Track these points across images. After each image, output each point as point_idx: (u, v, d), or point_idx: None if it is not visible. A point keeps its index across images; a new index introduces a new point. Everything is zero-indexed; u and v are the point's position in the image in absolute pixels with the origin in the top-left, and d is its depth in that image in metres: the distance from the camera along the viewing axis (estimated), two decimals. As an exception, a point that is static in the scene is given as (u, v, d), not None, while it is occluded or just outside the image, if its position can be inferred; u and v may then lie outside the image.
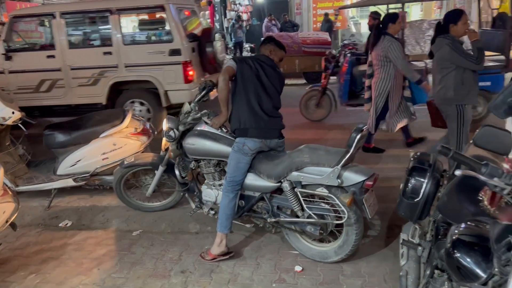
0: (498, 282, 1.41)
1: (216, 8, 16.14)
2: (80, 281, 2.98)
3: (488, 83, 5.89)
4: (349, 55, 6.60)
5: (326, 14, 15.15)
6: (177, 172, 3.56)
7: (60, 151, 4.14)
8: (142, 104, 6.34)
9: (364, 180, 2.74)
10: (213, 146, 3.22)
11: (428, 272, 2.04)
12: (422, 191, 2.26)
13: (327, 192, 2.85)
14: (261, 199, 3.15)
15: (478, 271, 1.48)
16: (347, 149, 2.78)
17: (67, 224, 3.85)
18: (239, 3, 18.69)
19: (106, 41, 6.30)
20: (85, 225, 3.83)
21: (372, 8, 8.21)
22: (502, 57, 6.03)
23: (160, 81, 6.12)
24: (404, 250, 2.37)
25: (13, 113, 3.82)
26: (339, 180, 2.75)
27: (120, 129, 4.13)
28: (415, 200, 2.29)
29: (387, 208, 3.70)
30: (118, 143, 4.10)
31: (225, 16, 17.18)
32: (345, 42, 11.62)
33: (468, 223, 1.66)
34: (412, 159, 2.45)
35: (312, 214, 2.94)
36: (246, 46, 14.71)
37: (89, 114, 4.45)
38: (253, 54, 7.21)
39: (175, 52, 6.04)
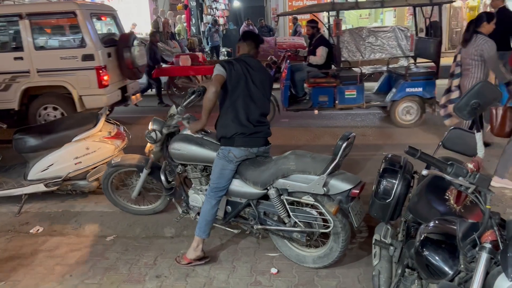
0: (464, 278, 1.47)
1: (192, 12, 16.10)
2: (51, 288, 2.91)
3: (420, 89, 6.21)
4: (288, 61, 6.80)
5: (295, 19, 15.34)
6: (162, 177, 3.51)
7: (31, 155, 4.04)
8: (55, 109, 6.39)
9: (350, 189, 2.70)
10: (199, 151, 3.17)
11: (399, 271, 2.09)
12: (393, 192, 2.32)
13: (313, 200, 2.82)
14: (248, 205, 3.11)
15: (445, 268, 1.53)
16: (333, 157, 2.72)
17: (38, 230, 3.75)
18: (216, 8, 18.70)
19: (17, 46, 6.28)
20: (57, 231, 3.74)
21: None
22: (433, 64, 6.34)
23: (74, 86, 6.20)
24: (376, 250, 2.43)
25: (-19, 116, 3.72)
26: (325, 189, 2.71)
27: (94, 133, 4.06)
28: (387, 201, 2.35)
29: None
30: (92, 147, 4.04)
31: (202, 20, 17.15)
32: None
33: (436, 222, 1.71)
34: (383, 161, 2.51)
35: (298, 222, 2.91)
36: (223, 50, 14.70)
37: (61, 118, 4.38)
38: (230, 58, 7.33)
39: (88, 57, 6.14)
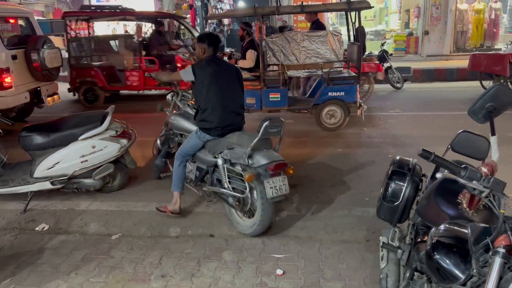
0: (476, 283, 1.46)
1: (197, 12, 16.10)
2: (56, 286, 2.91)
3: (342, 93, 6.37)
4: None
5: (284, 21, 15.26)
6: (158, 141, 4.42)
7: (37, 153, 4.05)
8: None
9: (266, 164, 3.23)
10: (185, 123, 4.10)
11: (407, 274, 2.08)
12: (402, 194, 2.32)
13: (241, 169, 3.39)
14: (207, 172, 3.80)
15: (457, 272, 1.52)
16: (257, 134, 3.31)
17: (43, 228, 3.76)
18: (221, 8, 18.70)
19: None
20: (63, 229, 3.74)
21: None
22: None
23: None
24: (384, 253, 2.42)
25: (-12, 114, 3.73)
26: (249, 161, 3.30)
27: (100, 131, 4.06)
28: (395, 203, 2.34)
29: (365, 212, 3.76)
30: (98, 146, 4.04)
31: (206, 21, 17.15)
32: None
33: (447, 225, 1.70)
34: (392, 163, 2.50)
35: (231, 188, 3.50)
36: (227, 50, 14.72)
37: (68, 116, 4.38)
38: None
39: None
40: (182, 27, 14.30)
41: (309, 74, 7.26)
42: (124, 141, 4.19)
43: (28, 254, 3.34)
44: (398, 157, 2.55)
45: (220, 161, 3.53)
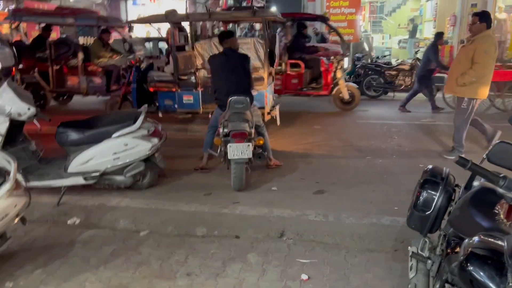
0: (512, 296, 1.40)
1: (229, 17, 16.24)
2: (85, 278, 2.99)
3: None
4: (134, 68, 7.17)
5: (316, 28, 15.13)
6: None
7: (72, 149, 4.18)
8: None
9: (230, 131, 4.30)
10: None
11: (437, 286, 2.02)
12: (434, 204, 2.26)
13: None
14: None
15: (492, 285, 1.47)
16: None
17: (75, 221, 3.87)
18: (253, 13, 18.83)
19: None
20: (93, 224, 3.84)
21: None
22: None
23: None
24: (413, 263, 2.37)
25: (28, 109, 3.87)
26: (224, 129, 4.39)
27: (133, 130, 4.16)
28: (426, 213, 2.29)
29: (394, 221, 3.69)
30: (130, 144, 4.13)
31: (239, 25, 17.28)
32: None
33: (482, 237, 1.65)
34: (424, 172, 2.45)
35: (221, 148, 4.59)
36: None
37: (103, 114, 4.50)
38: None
39: None
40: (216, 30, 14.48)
41: None
42: (155, 140, 4.27)
43: (60, 247, 3.45)
44: (431, 166, 2.50)
45: (221, 129, 4.43)
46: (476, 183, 1.53)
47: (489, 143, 5.58)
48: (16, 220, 3.01)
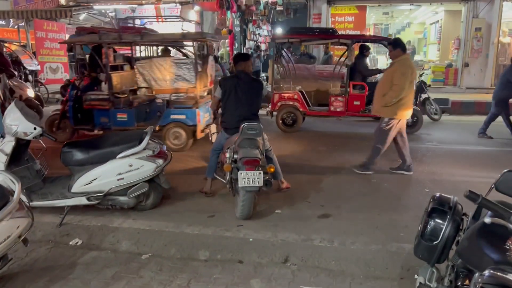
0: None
1: (236, 37, 16.46)
2: (86, 302, 2.94)
3: (184, 117, 6.89)
4: (70, 86, 7.43)
5: (327, 47, 15.27)
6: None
7: (76, 168, 4.17)
8: None
9: (241, 158, 4.12)
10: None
11: (446, 319, 1.97)
12: (441, 234, 2.23)
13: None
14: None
15: (503, 322, 1.43)
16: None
17: (77, 242, 3.84)
18: (259, 34, 19.06)
19: None
20: (95, 245, 3.81)
21: None
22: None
23: None
24: (420, 293, 2.31)
25: (35, 128, 3.89)
26: (234, 155, 4.30)
27: (138, 150, 4.15)
28: (434, 242, 2.25)
29: (400, 248, 3.63)
30: (135, 164, 4.12)
31: (244, 45, 17.49)
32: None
33: (492, 271, 1.61)
34: (432, 200, 2.42)
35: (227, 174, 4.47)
36: (263, 75, 14.88)
37: (108, 134, 4.51)
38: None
39: None
40: (222, 50, 14.64)
41: (176, 98, 7.47)
42: (160, 161, 4.27)
43: (61, 268, 3.40)
44: (438, 194, 2.47)
45: (227, 154, 4.34)
46: (487, 219, 1.49)
47: (397, 169, 5.87)
48: (19, 241, 2.98)
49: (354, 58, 8.91)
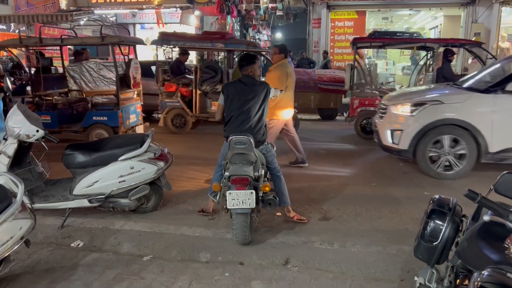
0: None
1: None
2: (88, 304, 2.96)
3: (105, 118, 7.07)
4: None
5: (326, 52, 15.36)
6: None
7: (78, 171, 4.20)
8: None
9: (229, 176, 3.71)
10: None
11: (446, 318, 1.99)
12: (441, 235, 2.25)
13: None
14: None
15: (502, 320, 1.45)
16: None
17: (79, 244, 3.85)
18: (259, 38, 19.16)
19: None
20: (97, 247, 3.82)
21: None
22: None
23: None
24: (420, 294, 2.33)
25: (37, 131, 3.92)
26: (225, 172, 3.85)
27: (139, 153, 4.18)
28: (434, 243, 2.27)
29: (400, 250, 3.65)
30: (136, 167, 4.15)
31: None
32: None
33: (491, 271, 1.64)
34: (431, 201, 2.44)
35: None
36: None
37: (110, 137, 4.54)
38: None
39: None
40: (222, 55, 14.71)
41: (108, 101, 7.71)
42: (161, 164, 4.29)
43: (63, 270, 3.42)
44: (437, 196, 2.49)
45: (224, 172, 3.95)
46: (486, 217, 1.52)
47: (294, 163, 6.31)
48: (21, 243, 3.00)
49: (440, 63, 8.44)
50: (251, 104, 4.05)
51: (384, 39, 9.07)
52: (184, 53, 9.53)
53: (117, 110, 6.94)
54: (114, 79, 7.28)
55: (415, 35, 9.53)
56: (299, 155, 6.31)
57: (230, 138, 3.75)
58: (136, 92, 7.82)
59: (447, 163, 5.73)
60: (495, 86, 5.61)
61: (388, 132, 6.06)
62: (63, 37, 7.36)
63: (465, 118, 5.55)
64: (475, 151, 5.60)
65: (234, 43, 9.00)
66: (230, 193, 3.60)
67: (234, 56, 10.68)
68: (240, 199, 3.57)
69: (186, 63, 9.80)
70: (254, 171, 3.76)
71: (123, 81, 7.27)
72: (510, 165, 5.47)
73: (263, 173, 3.91)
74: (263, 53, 10.05)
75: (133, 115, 7.46)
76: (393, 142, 5.99)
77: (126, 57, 8.11)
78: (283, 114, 5.89)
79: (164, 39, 8.79)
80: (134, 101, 7.66)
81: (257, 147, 3.97)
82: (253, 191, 3.59)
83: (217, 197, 3.93)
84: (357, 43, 8.66)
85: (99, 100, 7.56)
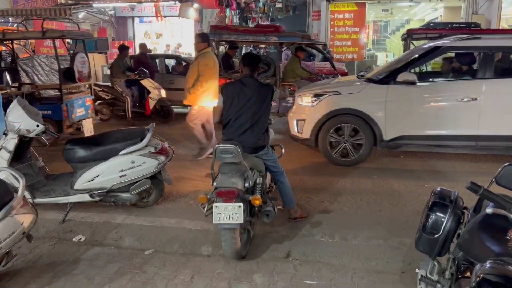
0: (525, 325, 1.39)
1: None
2: (91, 298, 2.97)
3: (50, 112, 6.98)
4: None
5: (325, 45, 15.31)
6: None
7: (79, 165, 4.19)
8: None
9: (215, 188, 3.37)
10: None
11: (448, 310, 2.00)
12: (442, 227, 2.25)
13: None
14: None
15: (504, 312, 1.46)
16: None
17: (80, 239, 3.86)
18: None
19: None
20: (98, 241, 3.83)
21: None
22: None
23: None
24: (422, 286, 2.35)
25: (37, 126, 3.91)
26: (214, 183, 3.52)
27: (140, 147, 4.17)
28: (435, 236, 2.27)
29: (401, 242, 3.66)
30: (137, 161, 4.14)
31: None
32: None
33: (493, 262, 1.64)
34: (433, 194, 2.44)
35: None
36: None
37: (110, 131, 4.53)
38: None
39: None
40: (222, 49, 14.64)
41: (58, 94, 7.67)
42: (162, 158, 4.29)
43: (65, 264, 3.43)
44: (439, 188, 2.49)
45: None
46: (489, 210, 1.52)
47: (202, 149, 6.37)
48: (22, 237, 3.00)
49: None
50: (251, 107, 3.78)
51: (441, 30, 8.67)
52: (233, 47, 9.43)
53: (60, 104, 6.94)
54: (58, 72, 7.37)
55: (472, 25, 9.16)
56: (206, 142, 6.35)
57: (216, 146, 3.46)
58: (86, 86, 7.85)
59: (345, 151, 5.98)
60: (388, 77, 5.87)
61: (294, 122, 6.29)
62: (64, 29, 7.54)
63: (360, 108, 5.79)
64: (371, 139, 5.85)
65: (288, 36, 8.91)
66: (216, 207, 3.27)
67: (283, 49, 10.54)
68: (227, 213, 3.24)
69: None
70: (245, 182, 3.45)
71: (68, 75, 7.32)
72: (508, 156, 5.47)
73: (260, 181, 3.67)
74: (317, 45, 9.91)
75: (81, 109, 7.45)
76: (298, 132, 6.22)
77: (115, 51, 8.20)
78: (209, 102, 6.08)
79: (216, 32, 8.54)
80: (83, 94, 7.68)
81: (256, 152, 3.81)
82: (241, 205, 3.23)
83: (205, 210, 3.52)
84: (412, 35, 8.39)
85: (49, 94, 7.63)
